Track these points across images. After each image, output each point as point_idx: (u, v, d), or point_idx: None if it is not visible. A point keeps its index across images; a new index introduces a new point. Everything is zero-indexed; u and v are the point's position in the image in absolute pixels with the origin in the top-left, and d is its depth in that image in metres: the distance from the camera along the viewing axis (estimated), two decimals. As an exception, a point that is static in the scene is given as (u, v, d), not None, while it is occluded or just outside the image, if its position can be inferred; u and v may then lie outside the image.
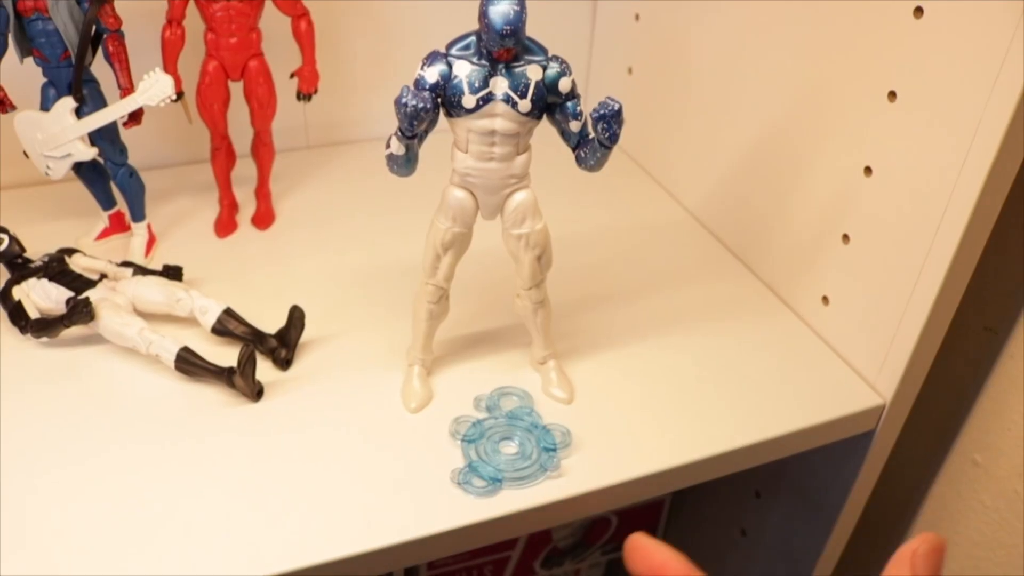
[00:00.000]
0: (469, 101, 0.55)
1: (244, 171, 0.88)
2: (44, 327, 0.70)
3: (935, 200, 0.64)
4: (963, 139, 0.61)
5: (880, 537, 0.93)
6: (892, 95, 0.66)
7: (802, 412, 0.69)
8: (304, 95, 0.82)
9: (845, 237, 0.73)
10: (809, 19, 0.73)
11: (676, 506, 1.10)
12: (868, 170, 0.70)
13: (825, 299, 0.76)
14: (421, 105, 0.53)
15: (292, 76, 0.82)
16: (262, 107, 0.82)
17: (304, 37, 0.80)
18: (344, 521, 0.58)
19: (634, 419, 0.68)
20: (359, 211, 0.92)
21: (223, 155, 0.84)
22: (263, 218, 0.88)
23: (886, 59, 0.66)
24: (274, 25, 0.79)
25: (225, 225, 0.87)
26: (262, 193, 0.88)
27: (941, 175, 0.63)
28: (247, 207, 0.90)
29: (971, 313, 0.74)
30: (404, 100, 0.53)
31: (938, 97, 0.62)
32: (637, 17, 0.98)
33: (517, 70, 0.56)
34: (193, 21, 0.77)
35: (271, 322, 0.71)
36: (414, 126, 0.54)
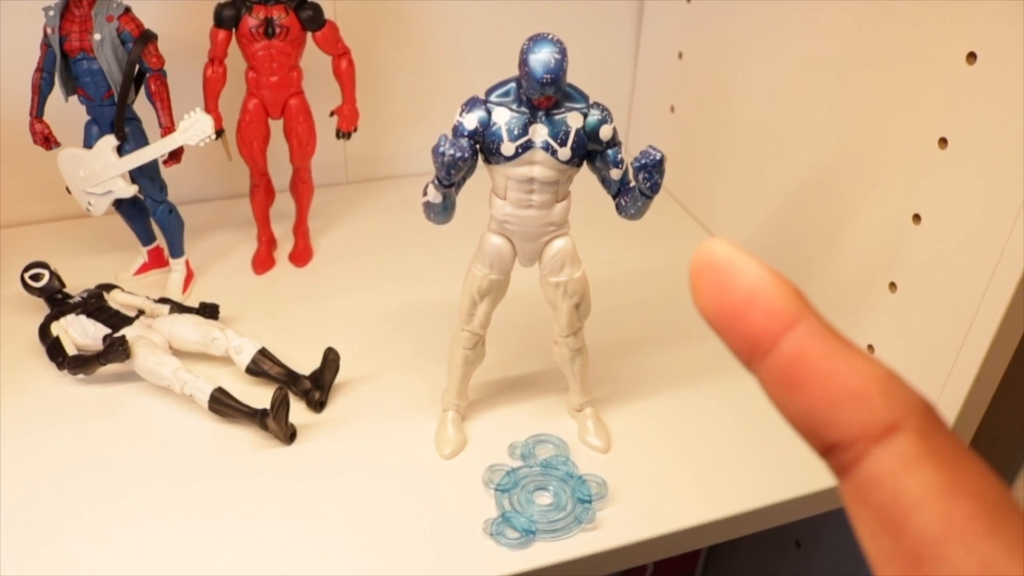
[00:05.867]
0: (508, 148, 0.55)
1: (283, 206, 0.88)
2: (80, 364, 0.70)
3: (988, 250, 0.62)
4: (1017, 187, 0.59)
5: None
6: (943, 142, 0.64)
7: (846, 465, 0.67)
8: (344, 133, 0.82)
9: (892, 285, 0.71)
10: (858, 60, 0.71)
11: (713, 553, 1.07)
12: (917, 217, 0.68)
13: (870, 348, 0.74)
14: (459, 154, 0.53)
15: (332, 114, 0.82)
16: (301, 145, 0.82)
17: (344, 76, 0.80)
18: (373, 570, 0.57)
19: (672, 469, 0.66)
20: (397, 248, 0.91)
21: (262, 192, 0.84)
22: (301, 255, 0.88)
23: (937, 104, 0.64)
24: (314, 62, 0.80)
25: (263, 262, 0.87)
26: (300, 230, 0.88)
27: (994, 224, 0.61)
28: (285, 243, 0.90)
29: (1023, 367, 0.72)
30: (442, 149, 0.53)
31: (991, 144, 0.61)
32: (680, 55, 0.97)
33: (557, 117, 0.55)
34: (234, 60, 0.77)
35: (306, 361, 0.71)
36: (451, 175, 0.54)
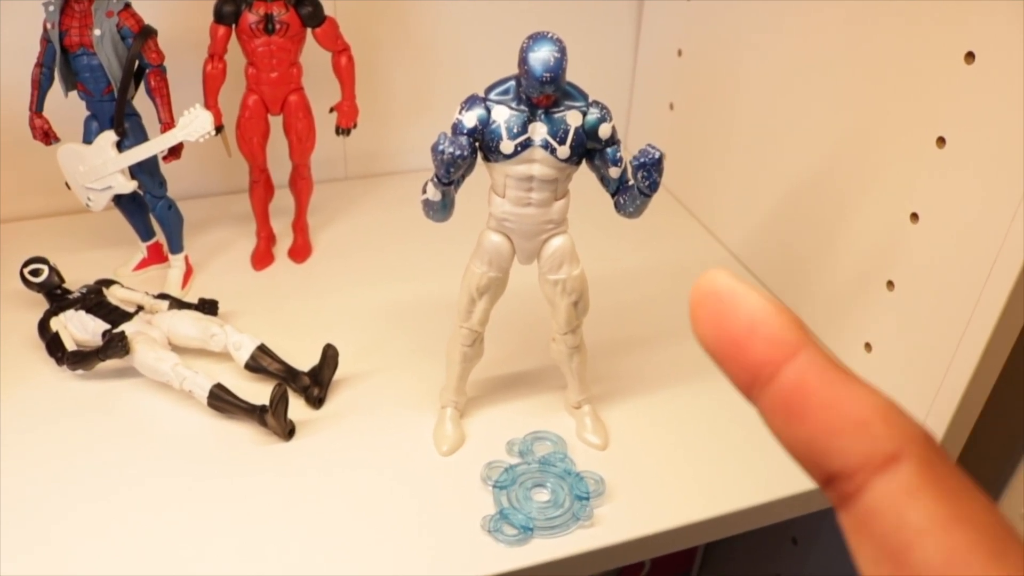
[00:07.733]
0: (507, 147, 0.55)
1: (282, 202, 0.88)
2: (80, 360, 0.70)
3: (985, 249, 0.62)
4: (1015, 187, 0.59)
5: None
6: (941, 141, 0.64)
7: (843, 463, 0.67)
8: (343, 130, 0.82)
9: (890, 284, 0.71)
10: (858, 61, 0.71)
11: (710, 550, 1.08)
12: (915, 216, 0.68)
13: (868, 346, 0.74)
14: (458, 152, 0.53)
15: (331, 111, 0.82)
16: (301, 141, 0.82)
17: (344, 72, 0.80)
18: (371, 566, 0.57)
19: (669, 467, 0.66)
20: (397, 243, 0.92)
21: (261, 188, 0.84)
22: (300, 251, 0.88)
23: (935, 104, 0.65)
24: (314, 58, 0.80)
25: (262, 258, 0.87)
26: (299, 226, 0.88)
27: (992, 223, 0.61)
28: (284, 240, 0.90)
29: (1021, 365, 0.72)
30: (441, 147, 0.53)
31: (989, 144, 0.61)
32: (680, 53, 0.98)
33: (556, 116, 0.55)
34: (234, 55, 0.77)
35: (305, 357, 0.71)
36: (450, 173, 0.54)
